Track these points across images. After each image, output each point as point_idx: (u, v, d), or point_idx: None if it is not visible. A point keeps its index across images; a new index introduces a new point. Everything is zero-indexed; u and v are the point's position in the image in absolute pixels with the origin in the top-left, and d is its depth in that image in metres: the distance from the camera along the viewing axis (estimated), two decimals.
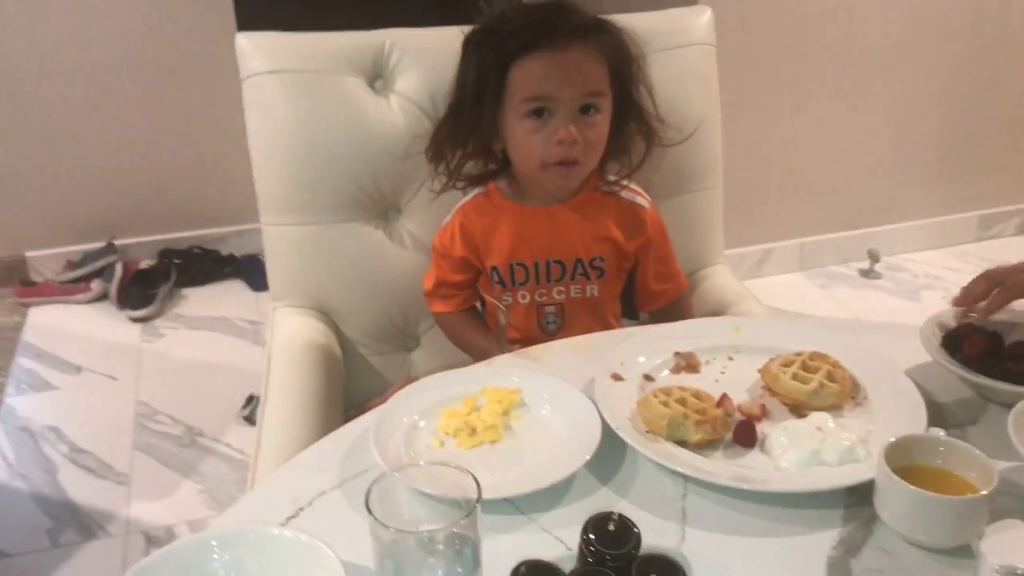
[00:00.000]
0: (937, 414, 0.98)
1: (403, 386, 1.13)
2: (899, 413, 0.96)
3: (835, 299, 2.81)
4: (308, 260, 1.40)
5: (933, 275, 2.93)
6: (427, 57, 1.38)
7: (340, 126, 1.36)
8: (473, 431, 0.98)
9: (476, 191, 1.34)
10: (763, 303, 1.43)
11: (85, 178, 2.85)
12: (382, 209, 1.42)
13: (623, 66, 1.25)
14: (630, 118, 1.28)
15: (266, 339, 1.37)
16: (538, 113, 1.20)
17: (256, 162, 1.37)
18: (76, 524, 1.92)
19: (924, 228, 3.04)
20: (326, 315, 1.42)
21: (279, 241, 1.39)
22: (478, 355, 1.33)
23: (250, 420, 2.22)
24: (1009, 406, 0.91)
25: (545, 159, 1.22)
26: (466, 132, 1.27)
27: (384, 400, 1.18)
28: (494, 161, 1.32)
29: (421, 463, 0.77)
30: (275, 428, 1.15)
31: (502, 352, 1.27)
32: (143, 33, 2.73)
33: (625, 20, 1.30)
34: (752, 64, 2.58)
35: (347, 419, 1.30)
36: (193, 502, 1.98)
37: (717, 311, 1.42)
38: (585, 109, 1.21)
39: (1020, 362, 1.00)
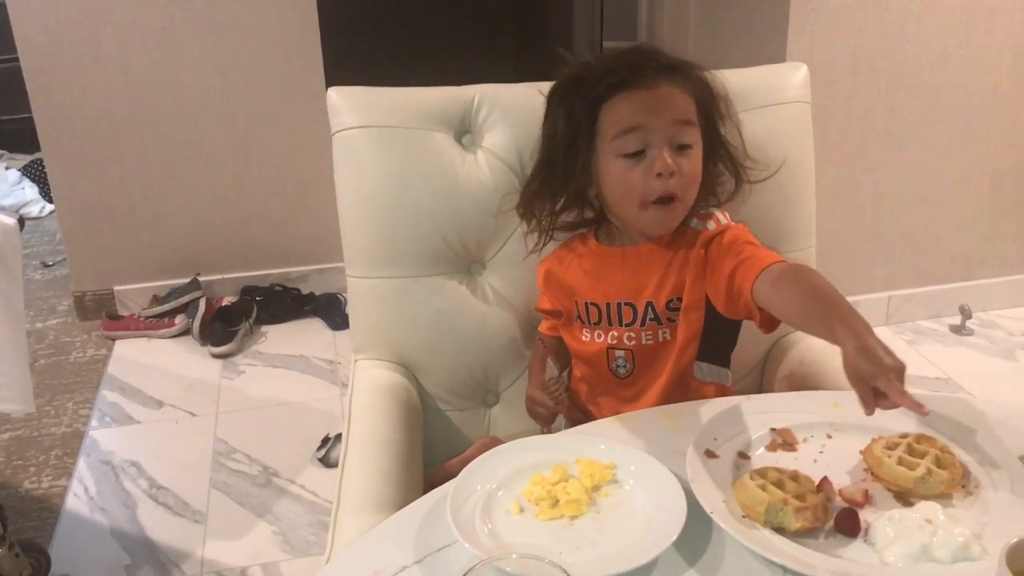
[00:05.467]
0: None
1: (485, 446, 1.11)
2: (1017, 506, 0.90)
3: (924, 355, 2.71)
4: (391, 313, 1.39)
5: None
6: (515, 113, 1.37)
7: (427, 181, 1.35)
8: (556, 502, 0.95)
9: (575, 234, 1.33)
10: None
11: (173, 216, 2.93)
12: (466, 264, 1.41)
13: (710, 103, 1.24)
14: (718, 157, 1.27)
15: (348, 390, 1.36)
16: (635, 153, 1.18)
17: (344, 215, 1.37)
18: (153, 562, 1.94)
19: (1020, 284, 2.92)
20: (407, 369, 1.41)
21: (363, 294, 1.39)
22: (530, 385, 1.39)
23: (325, 462, 2.22)
24: None
25: (645, 196, 1.19)
26: (561, 181, 1.26)
27: (464, 461, 1.16)
28: (590, 208, 1.30)
29: (513, 556, 0.74)
30: (357, 491, 1.13)
31: (544, 398, 1.31)
32: (232, 79, 2.81)
33: (721, 76, 1.27)
34: (841, 116, 2.52)
35: (426, 477, 1.29)
36: (267, 544, 1.98)
37: (808, 380, 1.36)
38: (681, 147, 1.18)
39: None
